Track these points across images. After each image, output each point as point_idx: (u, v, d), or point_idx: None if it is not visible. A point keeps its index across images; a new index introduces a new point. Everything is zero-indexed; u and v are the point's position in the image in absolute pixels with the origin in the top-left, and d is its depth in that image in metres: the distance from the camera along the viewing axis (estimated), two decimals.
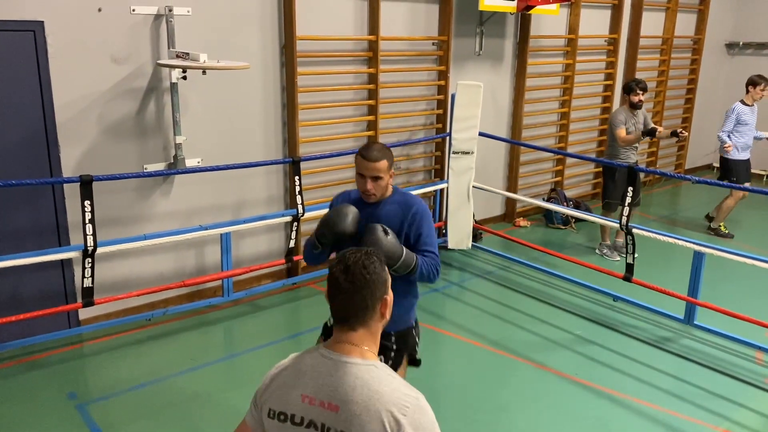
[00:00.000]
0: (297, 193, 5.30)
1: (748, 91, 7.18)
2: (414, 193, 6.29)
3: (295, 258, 5.60)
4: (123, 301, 4.94)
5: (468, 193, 6.32)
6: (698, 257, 4.97)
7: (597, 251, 6.82)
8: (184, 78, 4.82)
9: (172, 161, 5.07)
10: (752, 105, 7.21)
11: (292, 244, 5.44)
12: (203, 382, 4.32)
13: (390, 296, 1.84)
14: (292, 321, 5.36)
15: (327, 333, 3.12)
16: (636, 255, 5.37)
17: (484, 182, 6.75)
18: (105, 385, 4.26)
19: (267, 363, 4.65)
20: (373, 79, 6.05)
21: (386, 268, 1.85)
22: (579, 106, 8.25)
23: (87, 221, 4.32)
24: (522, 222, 7.76)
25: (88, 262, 4.42)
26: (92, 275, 4.47)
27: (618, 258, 6.57)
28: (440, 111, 6.70)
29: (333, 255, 3.08)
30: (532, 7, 6.58)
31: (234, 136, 5.38)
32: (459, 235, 6.45)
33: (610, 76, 8.55)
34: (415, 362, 3.12)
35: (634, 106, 6.39)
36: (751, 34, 10.29)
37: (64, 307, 4.63)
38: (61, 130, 4.55)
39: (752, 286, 5.87)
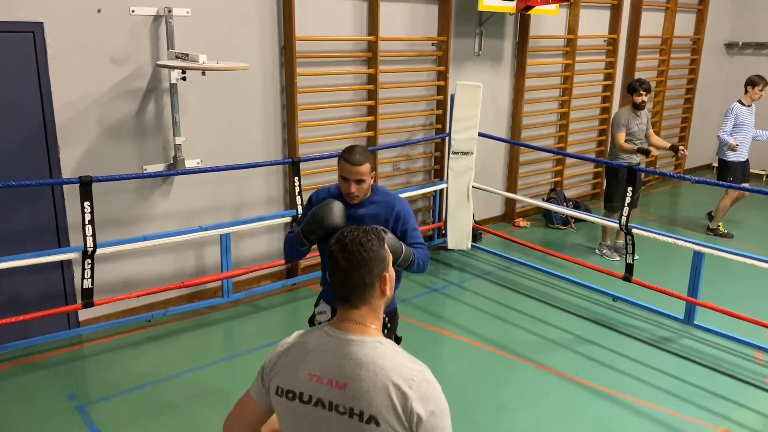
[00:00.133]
0: (297, 193, 5.30)
1: (746, 91, 7.18)
2: (414, 193, 6.42)
3: None
4: (123, 302, 4.95)
5: (467, 194, 6.32)
6: (698, 257, 4.97)
7: (597, 251, 6.82)
8: (184, 79, 4.82)
9: (172, 162, 5.07)
10: (750, 105, 7.21)
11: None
12: (203, 383, 4.32)
13: (391, 273, 1.84)
14: (292, 321, 5.36)
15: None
16: (636, 257, 5.38)
17: (483, 182, 6.75)
18: (105, 386, 4.26)
19: None
20: (372, 79, 6.05)
21: (386, 246, 1.85)
22: (578, 107, 8.25)
23: (87, 222, 4.33)
24: (521, 222, 7.77)
25: (88, 263, 4.42)
26: (92, 276, 4.48)
27: (618, 258, 6.56)
28: (440, 111, 6.70)
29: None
30: (531, 7, 6.58)
31: (233, 136, 5.38)
32: (459, 236, 6.45)
33: (609, 77, 8.56)
34: (398, 340, 3.23)
35: (637, 107, 6.37)
36: (750, 34, 10.30)
37: (64, 308, 4.63)
38: (60, 131, 4.55)
39: (752, 285, 5.87)
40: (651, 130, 6.64)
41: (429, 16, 6.45)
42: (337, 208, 2.91)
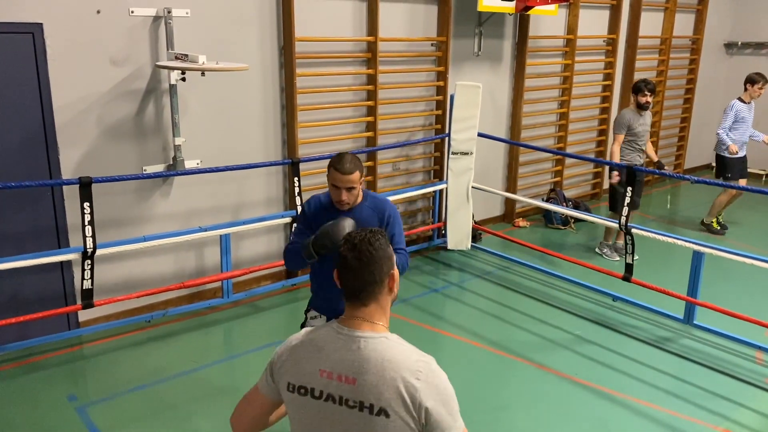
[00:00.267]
0: (296, 194, 5.30)
1: (746, 89, 7.21)
2: (413, 193, 6.43)
3: None
4: (123, 303, 4.94)
5: (467, 194, 6.32)
6: (697, 257, 4.97)
7: (597, 250, 6.81)
8: (183, 79, 4.82)
9: (172, 163, 5.07)
10: (750, 102, 7.24)
11: (285, 263, 5.42)
12: (203, 384, 4.32)
13: (396, 271, 1.93)
14: (292, 322, 5.34)
15: None
16: (636, 257, 5.38)
17: (483, 183, 6.76)
18: (105, 386, 4.26)
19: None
20: (372, 80, 6.05)
21: (390, 245, 1.95)
22: (578, 107, 8.25)
23: (86, 223, 4.33)
24: (521, 222, 7.77)
25: (88, 264, 4.42)
26: (92, 277, 4.48)
27: (618, 258, 6.56)
28: (439, 112, 6.70)
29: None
30: (530, 7, 6.58)
31: (233, 137, 5.38)
32: (458, 236, 6.46)
33: (608, 77, 8.56)
34: None
35: (642, 107, 6.35)
36: (749, 33, 10.30)
37: (64, 309, 4.63)
38: (60, 131, 4.55)
39: (752, 285, 5.88)
40: (647, 136, 6.64)
41: (428, 16, 6.45)
42: (348, 226, 2.94)
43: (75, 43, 4.51)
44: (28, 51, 4.34)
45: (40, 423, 3.87)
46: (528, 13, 6.79)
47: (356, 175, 3.05)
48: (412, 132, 6.64)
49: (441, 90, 6.65)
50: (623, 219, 5.28)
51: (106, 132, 4.77)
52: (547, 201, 7.72)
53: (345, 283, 1.88)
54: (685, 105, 10.13)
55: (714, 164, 7.86)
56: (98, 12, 4.56)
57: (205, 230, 5.08)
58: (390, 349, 1.80)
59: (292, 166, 5.34)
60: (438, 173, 6.90)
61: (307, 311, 3.41)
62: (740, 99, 7.23)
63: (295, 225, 3.29)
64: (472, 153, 6.22)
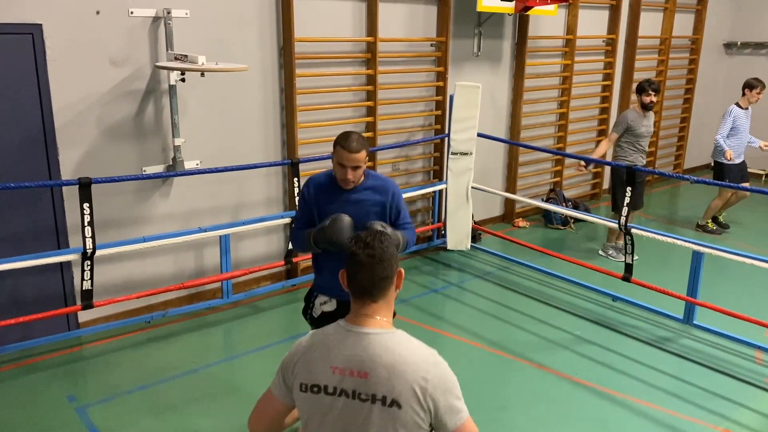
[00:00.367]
0: (296, 194, 5.30)
1: (744, 94, 7.19)
2: (413, 194, 6.41)
3: (295, 260, 5.60)
4: (122, 304, 4.94)
5: (467, 194, 6.33)
6: (697, 257, 4.97)
7: (601, 252, 6.79)
8: (183, 80, 4.82)
9: (171, 163, 5.07)
10: (747, 108, 7.22)
11: (291, 245, 5.44)
12: (203, 384, 4.31)
13: (402, 270, 2.03)
14: (292, 322, 5.36)
15: (318, 325, 3.21)
16: (636, 257, 5.38)
17: (482, 183, 6.76)
18: (105, 387, 4.26)
19: (267, 364, 4.66)
20: (371, 80, 6.05)
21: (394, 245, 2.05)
22: (577, 107, 8.26)
23: (86, 224, 4.32)
24: (521, 222, 7.77)
25: (88, 265, 4.42)
26: (91, 278, 4.47)
27: (623, 259, 6.54)
28: (439, 112, 6.71)
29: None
30: (530, 7, 6.58)
31: (233, 138, 5.38)
32: (458, 236, 6.46)
33: (608, 77, 8.56)
34: None
35: (646, 107, 6.34)
36: (749, 33, 10.31)
37: (64, 309, 4.63)
38: (59, 132, 4.55)
39: (751, 285, 5.88)
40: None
41: (428, 16, 6.45)
42: (346, 226, 2.99)
43: (74, 43, 4.51)
44: (28, 52, 4.34)
45: (40, 423, 3.86)
46: (527, 13, 6.79)
47: (362, 154, 3.03)
48: (411, 132, 6.64)
49: (440, 90, 6.66)
50: (623, 219, 5.28)
51: (105, 133, 4.77)
52: (546, 201, 7.72)
53: (356, 280, 1.94)
54: (684, 105, 10.14)
55: (713, 165, 7.86)
56: (98, 13, 4.56)
57: (205, 231, 5.08)
58: (399, 344, 1.89)
59: (291, 166, 5.34)
60: (438, 173, 6.90)
61: (313, 297, 3.37)
62: (738, 104, 7.21)
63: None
64: (471, 153, 6.22)
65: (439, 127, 6.75)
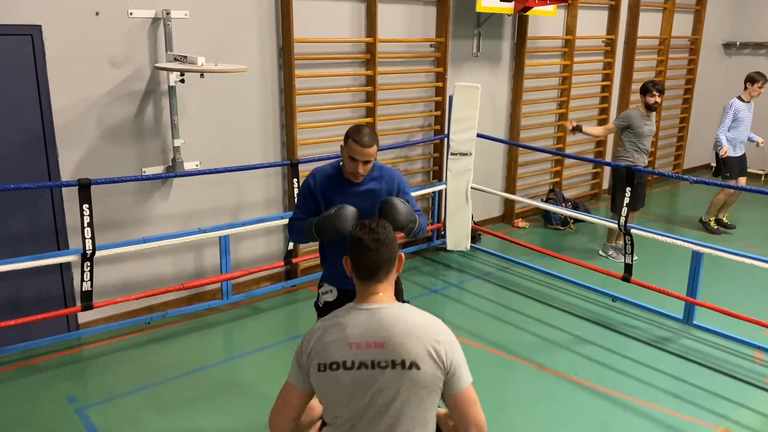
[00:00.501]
0: (296, 195, 5.30)
1: (745, 88, 7.22)
2: (413, 194, 6.36)
3: (294, 260, 5.60)
4: (122, 305, 4.95)
5: (466, 195, 6.33)
6: (697, 257, 4.97)
7: (601, 252, 6.79)
8: (182, 81, 4.82)
9: (171, 164, 5.07)
10: (749, 102, 7.25)
11: (290, 246, 5.44)
12: (203, 385, 4.31)
13: (401, 254, 2.19)
14: (292, 323, 5.36)
15: (321, 313, 3.33)
16: (636, 257, 5.38)
17: (482, 183, 6.76)
18: (104, 388, 4.26)
19: (267, 365, 4.67)
20: (370, 81, 6.06)
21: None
22: (577, 107, 8.26)
23: (86, 225, 4.32)
24: (520, 223, 7.77)
25: (87, 266, 4.42)
26: (91, 279, 4.47)
27: (622, 259, 6.55)
28: (438, 113, 6.71)
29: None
30: (529, 8, 6.59)
31: (232, 138, 5.39)
32: (458, 237, 6.46)
33: (607, 77, 8.57)
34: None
35: (650, 108, 6.33)
36: (748, 34, 10.31)
37: (63, 310, 4.63)
38: (59, 133, 4.55)
39: (751, 285, 5.88)
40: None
41: (427, 17, 6.45)
42: (350, 215, 3.01)
43: (74, 44, 4.52)
44: (27, 53, 4.34)
45: (40, 424, 3.86)
46: (527, 13, 6.80)
47: (374, 148, 3.09)
48: (411, 133, 6.64)
49: (440, 91, 6.66)
50: (622, 219, 5.29)
51: (105, 133, 4.77)
52: (546, 201, 7.73)
53: (361, 263, 2.08)
54: (684, 105, 10.14)
55: (713, 165, 7.87)
56: (97, 14, 4.56)
57: (205, 232, 5.08)
58: (409, 314, 2.05)
59: (291, 167, 5.34)
60: (437, 174, 6.90)
61: (319, 287, 3.40)
62: (739, 98, 7.25)
63: (297, 197, 3.33)
64: (471, 154, 6.22)
65: (438, 127, 6.75)
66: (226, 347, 5.02)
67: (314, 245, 3.55)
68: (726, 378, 4.51)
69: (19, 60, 4.32)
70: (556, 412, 4.09)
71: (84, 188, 4.30)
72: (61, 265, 4.65)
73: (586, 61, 8.22)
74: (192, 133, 5.11)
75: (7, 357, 4.54)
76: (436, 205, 6.85)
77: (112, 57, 4.69)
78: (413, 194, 6.44)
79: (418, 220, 3.19)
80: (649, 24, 8.98)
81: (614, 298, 5.57)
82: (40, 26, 4.35)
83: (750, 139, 7.40)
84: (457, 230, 6.44)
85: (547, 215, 7.77)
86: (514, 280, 6.13)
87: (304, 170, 5.59)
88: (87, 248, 4.36)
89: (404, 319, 2.02)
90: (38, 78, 4.40)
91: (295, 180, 5.28)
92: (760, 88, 7.14)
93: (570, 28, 7.84)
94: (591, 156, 8.63)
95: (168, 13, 4.73)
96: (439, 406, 2.14)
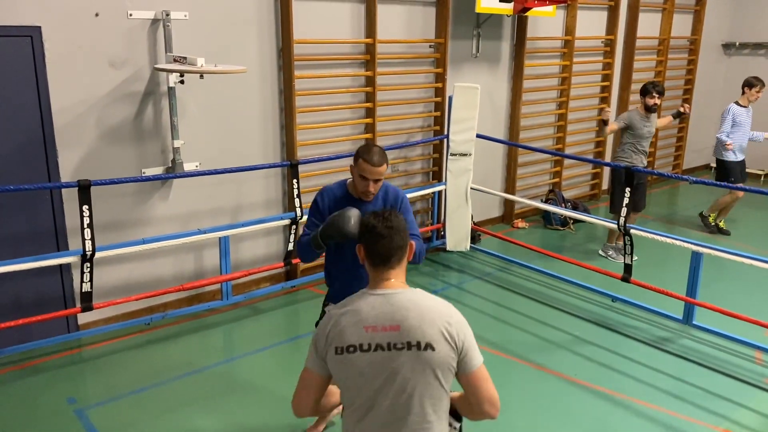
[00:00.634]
0: (295, 196, 5.30)
1: (743, 93, 7.23)
2: (412, 195, 6.41)
3: (294, 261, 5.60)
4: (122, 306, 4.95)
5: (466, 195, 6.33)
6: (696, 257, 4.97)
7: (601, 252, 6.78)
8: (182, 82, 4.82)
9: (170, 165, 5.07)
10: (747, 106, 7.25)
11: (290, 247, 5.44)
12: (203, 386, 4.31)
13: (412, 242, 2.27)
14: (292, 324, 5.36)
15: None
16: (635, 258, 5.38)
17: (482, 184, 6.76)
18: (104, 389, 4.26)
19: (267, 366, 4.67)
20: (370, 81, 6.06)
21: None
22: (576, 108, 8.26)
23: (85, 226, 4.32)
24: (520, 223, 7.77)
25: (87, 267, 4.42)
26: (91, 280, 4.47)
27: (622, 260, 6.55)
28: (438, 113, 6.71)
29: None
30: (528, 9, 6.59)
31: (232, 139, 5.39)
32: (457, 237, 6.46)
33: (607, 77, 8.57)
34: None
35: (649, 109, 6.34)
36: (747, 34, 10.32)
37: (63, 311, 4.63)
38: (59, 134, 4.55)
39: (751, 285, 5.88)
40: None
41: (426, 18, 6.45)
42: (354, 217, 3.04)
43: (73, 46, 4.52)
44: (27, 54, 4.34)
45: (40, 425, 3.86)
46: (526, 14, 6.80)
47: (384, 167, 3.16)
48: (410, 133, 6.64)
49: (439, 91, 6.66)
50: (622, 220, 5.29)
51: (104, 135, 4.77)
52: (545, 202, 7.73)
53: (375, 250, 2.15)
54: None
55: (713, 165, 7.88)
56: (96, 15, 4.57)
57: (204, 232, 5.08)
58: (422, 298, 2.13)
59: (291, 168, 5.34)
60: (437, 174, 6.90)
61: (323, 306, 3.47)
62: (737, 103, 7.24)
63: (306, 217, 3.37)
64: (470, 154, 6.22)
65: (438, 128, 6.75)
66: (226, 348, 5.02)
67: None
68: (726, 378, 4.52)
69: (19, 61, 4.33)
70: (555, 412, 4.09)
71: (84, 189, 4.30)
72: (61, 266, 4.65)
73: (585, 61, 8.22)
74: (192, 134, 5.11)
75: (7, 358, 4.54)
76: (435, 205, 6.85)
77: (111, 58, 4.69)
78: (413, 195, 6.56)
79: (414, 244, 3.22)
80: (649, 24, 8.99)
81: (614, 299, 5.57)
82: (39, 27, 4.35)
83: (753, 139, 7.39)
84: (456, 231, 6.44)
85: (546, 216, 7.77)
86: (513, 281, 6.13)
87: (304, 171, 5.60)
88: (87, 249, 4.36)
89: (417, 303, 2.09)
90: (38, 79, 4.40)
91: (294, 181, 5.28)
92: (758, 92, 7.14)
93: (569, 29, 7.84)
94: (590, 156, 8.63)
95: (167, 14, 4.73)
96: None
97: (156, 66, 4.76)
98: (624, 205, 5.29)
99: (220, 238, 5.17)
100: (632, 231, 5.27)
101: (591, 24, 8.18)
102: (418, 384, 2.06)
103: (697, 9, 9.73)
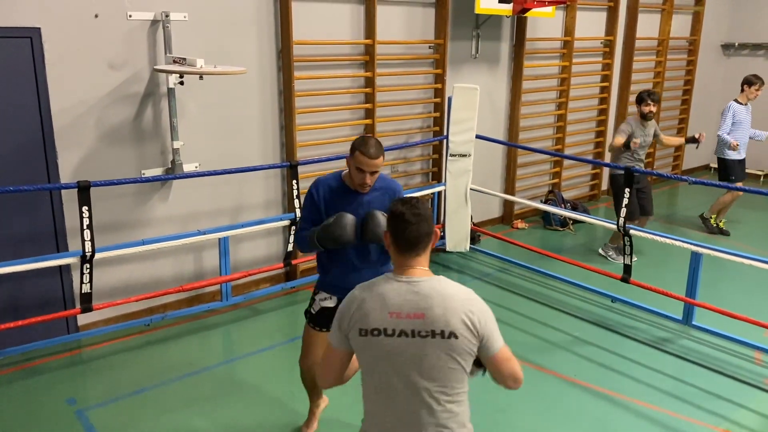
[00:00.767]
0: (295, 197, 5.30)
1: (742, 90, 7.25)
2: (412, 196, 6.39)
3: (294, 262, 5.60)
4: (122, 307, 4.95)
5: (466, 196, 6.33)
6: (696, 258, 4.97)
7: (601, 251, 6.78)
8: (181, 83, 4.83)
9: (170, 166, 5.07)
10: (746, 104, 7.26)
11: (290, 248, 5.44)
12: (203, 387, 4.32)
13: (437, 230, 2.30)
14: (291, 325, 5.36)
15: (315, 321, 3.42)
16: (635, 258, 5.39)
17: (481, 184, 6.77)
18: (104, 390, 4.26)
19: (267, 366, 4.67)
20: (369, 82, 6.06)
21: None
22: (576, 108, 8.27)
23: (85, 227, 4.32)
24: (520, 224, 7.77)
25: (87, 268, 4.42)
26: (90, 281, 4.47)
27: (622, 260, 6.55)
28: (437, 114, 6.71)
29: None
30: (527, 9, 6.60)
31: (231, 140, 5.39)
32: (457, 238, 6.46)
33: (606, 78, 8.58)
34: None
35: (645, 117, 6.35)
36: (746, 35, 10.32)
37: (63, 313, 4.63)
38: (58, 135, 4.55)
39: (750, 286, 5.89)
40: (661, 134, 6.67)
41: (426, 19, 6.46)
42: (350, 225, 3.09)
43: (73, 47, 4.52)
44: (26, 55, 4.34)
45: (40, 426, 3.86)
46: (525, 15, 6.80)
47: (381, 159, 3.14)
48: (410, 134, 6.64)
49: (439, 92, 6.66)
50: (621, 220, 5.29)
51: (104, 136, 4.77)
52: (545, 202, 7.73)
53: (403, 236, 2.19)
54: (682, 106, 10.15)
55: (713, 165, 7.88)
56: (96, 16, 4.57)
57: (204, 233, 5.08)
58: (446, 286, 2.18)
59: (290, 168, 5.34)
60: (436, 175, 6.91)
61: (314, 294, 3.44)
62: (736, 101, 7.26)
63: (302, 209, 3.39)
64: (470, 155, 6.22)
65: (437, 128, 6.76)
66: (226, 349, 5.02)
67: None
68: (725, 379, 4.52)
69: (19, 62, 4.33)
70: (555, 413, 4.10)
71: (83, 190, 4.30)
72: (60, 267, 4.65)
73: (584, 62, 8.23)
74: (191, 135, 5.11)
75: (7, 359, 4.54)
76: (435, 206, 6.85)
77: (111, 59, 4.69)
78: (412, 196, 6.51)
79: None
80: (648, 25, 8.99)
81: (613, 299, 5.57)
82: (39, 29, 4.35)
83: (754, 138, 7.40)
84: (456, 231, 6.44)
85: (546, 216, 7.77)
86: (513, 281, 6.13)
87: (304, 172, 5.60)
88: (86, 250, 4.36)
89: (441, 292, 2.15)
90: (37, 80, 4.40)
91: (294, 181, 5.28)
92: (757, 90, 7.17)
93: (569, 30, 7.84)
94: (590, 157, 8.63)
95: (167, 16, 4.74)
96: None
97: (155, 67, 4.76)
98: (624, 205, 5.28)
99: (219, 239, 5.17)
100: (632, 232, 5.27)
101: (590, 25, 8.19)
102: (440, 369, 2.14)
103: (696, 10, 9.73)
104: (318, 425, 3.81)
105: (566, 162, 8.27)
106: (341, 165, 5.83)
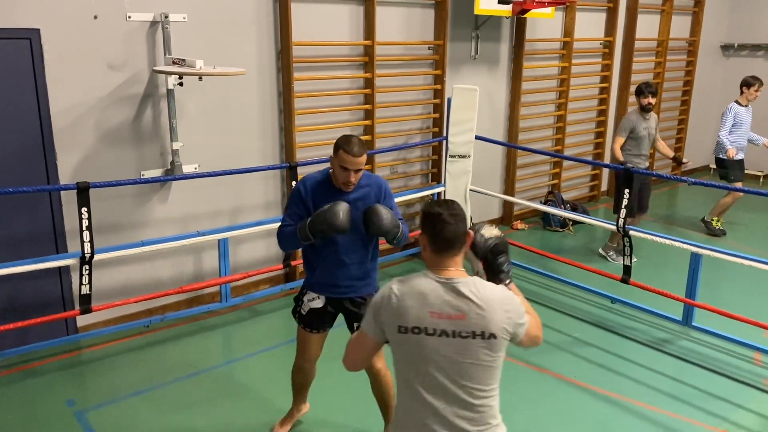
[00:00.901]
0: None
1: (742, 92, 7.27)
2: (411, 197, 6.41)
3: (293, 263, 5.60)
4: (121, 308, 4.94)
5: (465, 197, 6.32)
6: (695, 259, 4.97)
7: (601, 251, 6.77)
8: (181, 84, 4.83)
9: (169, 167, 5.07)
10: (747, 105, 7.28)
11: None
12: (202, 388, 4.31)
13: (470, 231, 2.37)
14: (291, 326, 5.30)
15: (305, 322, 3.45)
16: (635, 259, 5.38)
17: (481, 185, 6.76)
18: (103, 392, 4.26)
19: (266, 367, 4.67)
20: (369, 83, 6.06)
21: None
22: (575, 109, 8.27)
23: (84, 228, 4.32)
24: (519, 225, 7.77)
25: (86, 269, 4.42)
26: (90, 282, 4.47)
27: (622, 261, 6.55)
28: (436, 115, 6.72)
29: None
30: (527, 10, 6.60)
31: (231, 141, 5.39)
32: None
33: (605, 79, 8.58)
34: None
35: (644, 109, 6.38)
36: (746, 35, 10.33)
37: (62, 314, 4.63)
38: (57, 137, 4.55)
39: (750, 287, 5.88)
40: (659, 136, 6.66)
41: (425, 20, 6.46)
42: (343, 211, 3.10)
43: (72, 48, 4.52)
44: (26, 56, 4.34)
45: (39, 428, 3.86)
46: (524, 16, 6.81)
47: (364, 157, 3.17)
48: (409, 135, 6.64)
49: (438, 93, 6.66)
50: (621, 221, 5.29)
51: (103, 137, 4.77)
52: (545, 203, 7.73)
53: (442, 236, 2.24)
54: (682, 107, 10.15)
55: (712, 166, 7.89)
56: (95, 17, 4.57)
57: (203, 234, 5.08)
58: (483, 287, 2.21)
59: (290, 169, 5.34)
60: (436, 176, 6.91)
61: (302, 294, 3.46)
62: (737, 102, 7.27)
63: (286, 205, 3.39)
64: (469, 156, 6.22)
65: (437, 129, 6.76)
66: (225, 350, 5.02)
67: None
68: (725, 379, 4.52)
69: (18, 63, 4.33)
70: (555, 413, 4.09)
71: (82, 191, 4.29)
72: (59, 268, 4.65)
73: (584, 63, 8.23)
74: (190, 136, 5.11)
75: (6, 360, 4.53)
76: None
77: (110, 60, 4.69)
78: (411, 196, 6.56)
79: (401, 226, 3.28)
80: (647, 26, 9.00)
81: (613, 300, 5.57)
82: (38, 30, 4.35)
83: (753, 142, 7.42)
84: None
85: (545, 217, 7.77)
86: None
87: (303, 173, 5.57)
88: (86, 251, 4.36)
89: (481, 294, 2.19)
90: (36, 81, 4.40)
91: (293, 182, 5.28)
92: (756, 91, 7.19)
93: (568, 30, 7.85)
94: (589, 158, 8.63)
95: (166, 17, 4.74)
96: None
97: (155, 68, 4.76)
98: (623, 206, 5.28)
99: (219, 240, 5.17)
100: (632, 232, 5.27)
101: (590, 25, 8.19)
102: (477, 368, 2.19)
103: (695, 10, 9.74)
104: (307, 426, 3.81)
105: (566, 163, 8.27)
106: None
